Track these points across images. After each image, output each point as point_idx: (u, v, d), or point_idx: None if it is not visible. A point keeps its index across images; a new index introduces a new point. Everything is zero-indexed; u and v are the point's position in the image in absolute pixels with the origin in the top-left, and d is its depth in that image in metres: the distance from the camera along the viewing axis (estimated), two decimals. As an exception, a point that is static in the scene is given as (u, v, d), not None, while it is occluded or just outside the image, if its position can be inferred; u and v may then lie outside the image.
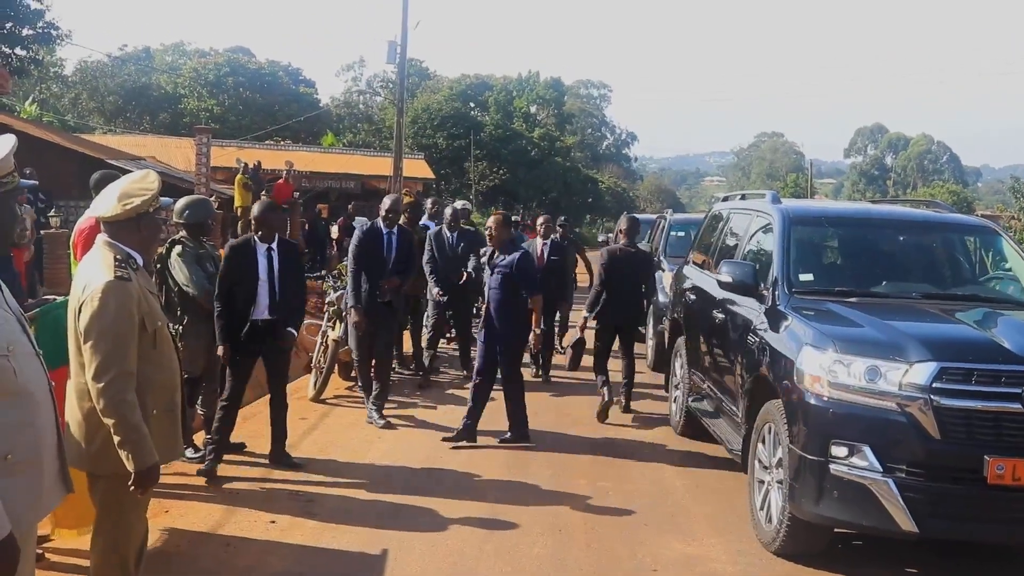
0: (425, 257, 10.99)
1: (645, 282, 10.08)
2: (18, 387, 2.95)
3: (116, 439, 3.91)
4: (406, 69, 33.18)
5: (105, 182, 4.93)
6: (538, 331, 8.56)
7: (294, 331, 7.50)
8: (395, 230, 9.11)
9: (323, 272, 13.92)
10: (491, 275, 8.29)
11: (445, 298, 10.83)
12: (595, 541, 6.11)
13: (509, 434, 8.35)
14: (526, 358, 10.00)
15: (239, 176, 21.86)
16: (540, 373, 11.47)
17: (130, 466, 3.92)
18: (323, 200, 32.46)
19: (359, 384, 9.61)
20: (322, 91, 71.17)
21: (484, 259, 8.66)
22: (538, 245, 11.49)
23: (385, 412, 9.03)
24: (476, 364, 8.52)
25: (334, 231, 24.71)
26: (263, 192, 22.02)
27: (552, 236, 11.83)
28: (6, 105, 35.07)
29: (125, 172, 13.40)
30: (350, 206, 28.72)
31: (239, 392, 7.36)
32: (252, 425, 8.64)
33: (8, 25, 29.74)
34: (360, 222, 33.30)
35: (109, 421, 3.90)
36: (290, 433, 8.34)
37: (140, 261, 4.13)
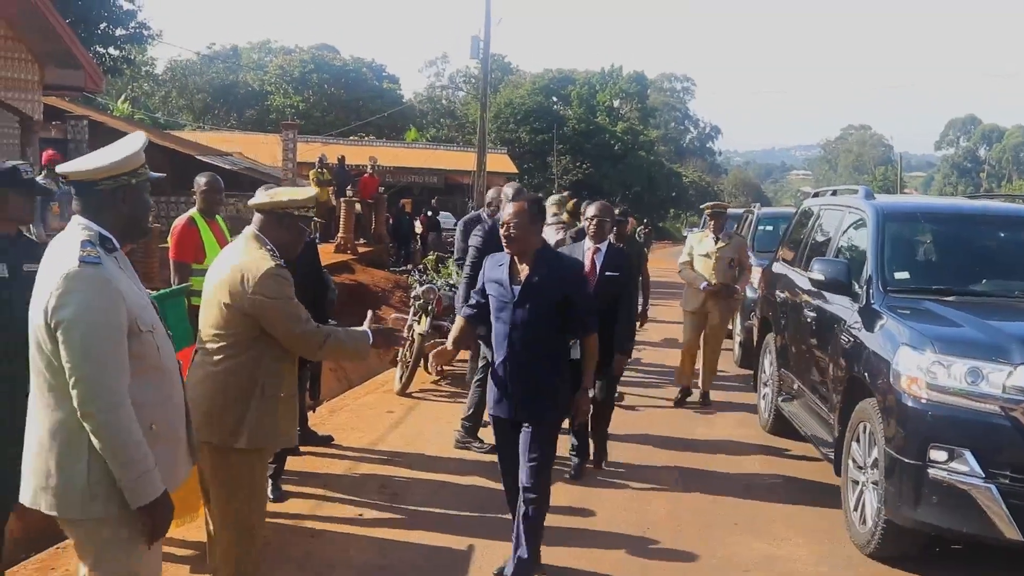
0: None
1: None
2: (160, 363, 3.26)
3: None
4: (489, 64, 33.24)
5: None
6: (589, 393, 5.30)
7: None
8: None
9: (408, 266, 14.04)
10: (508, 301, 5.03)
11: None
12: (680, 540, 6.04)
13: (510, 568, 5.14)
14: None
15: (313, 171, 22.16)
16: (590, 459, 7.45)
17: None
18: (406, 195, 32.76)
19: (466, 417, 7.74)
20: (405, 87, 71.90)
21: (491, 271, 5.23)
22: (586, 252, 7.19)
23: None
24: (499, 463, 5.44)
25: (418, 226, 24.88)
26: (348, 187, 22.34)
27: (609, 238, 7.43)
28: (100, 103, 36.05)
29: (212, 168, 13.66)
30: (433, 201, 28.93)
31: None
32: (339, 417, 8.76)
33: (102, 26, 30.45)
34: (445, 216, 33.74)
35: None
36: (377, 427, 8.46)
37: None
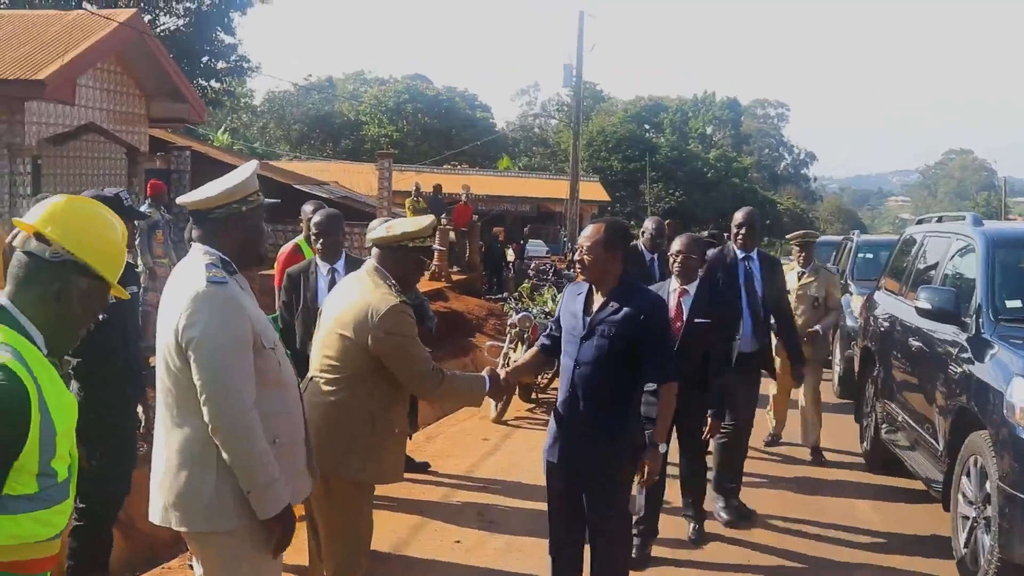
0: None
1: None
2: (280, 379, 3.40)
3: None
4: (581, 92, 33.32)
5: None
6: (660, 450, 4.69)
7: None
8: (754, 254, 7.27)
9: (503, 294, 14.03)
10: (577, 334, 4.58)
11: None
12: (787, 568, 5.96)
13: None
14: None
15: (408, 200, 22.41)
16: (691, 532, 6.51)
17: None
18: (499, 223, 32.91)
19: None
20: (497, 115, 72.67)
21: (567, 300, 4.84)
22: (672, 294, 6.15)
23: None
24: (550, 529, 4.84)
25: (510, 254, 24.96)
26: (443, 215, 22.55)
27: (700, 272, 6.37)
28: (201, 134, 37.08)
29: (311, 196, 13.79)
30: (526, 229, 29.04)
31: None
32: (436, 444, 8.81)
33: (204, 60, 31.45)
34: (534, 244, 33.71)
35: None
36: (473, 454, 8.48)
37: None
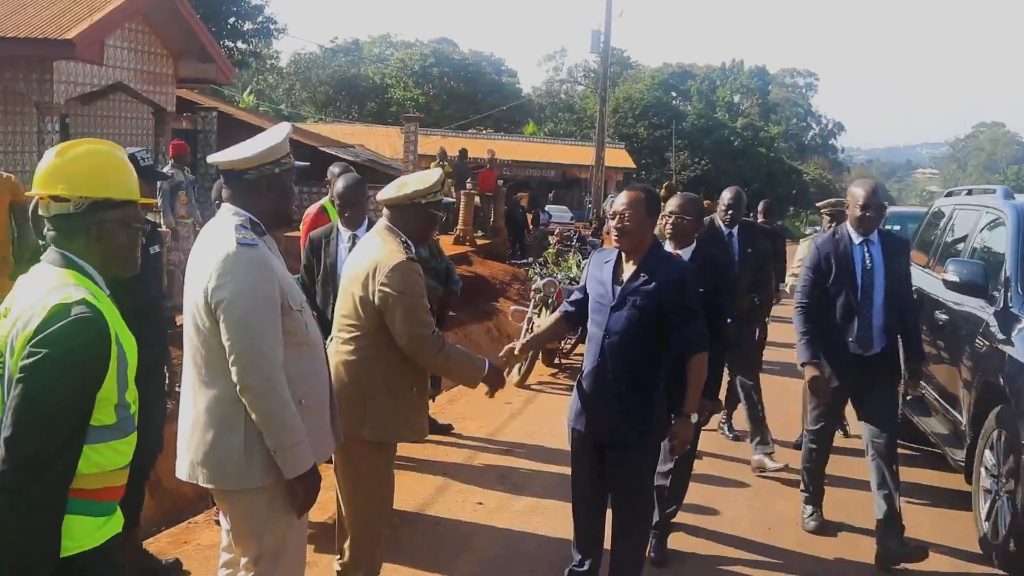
0: None
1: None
2: (308, 339, 3.43)
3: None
4: (609, 58, 33.13)
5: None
6: (692, 419, 4.58)
7: None
8: (874, 237, 5.84)
9: (528, 259, 13.99)
10: (606, 303, 4.53)
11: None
12: (807, 541, 5.98)
13: None
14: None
15: (434, 164, 22.39)
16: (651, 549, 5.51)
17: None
18: (524, 189, 32.87)
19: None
20: (524, 81, 72.66)
21: (595, 268, 4.74)
22: None
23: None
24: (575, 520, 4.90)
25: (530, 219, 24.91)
26: (467, 179, 22.54)
27: (702, 231, 6.07)
28: (227, 95, 37.11)
29: (337, 159, 13.74)
30: (550, 195, 28.98)
31: None
32: (458, 407, 8.85)
33: (231, 21, 31.46)
34: (558, 210, 33.53)
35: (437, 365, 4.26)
36: (496, 417, 8.53)
37: (413, 249, 4.24)
